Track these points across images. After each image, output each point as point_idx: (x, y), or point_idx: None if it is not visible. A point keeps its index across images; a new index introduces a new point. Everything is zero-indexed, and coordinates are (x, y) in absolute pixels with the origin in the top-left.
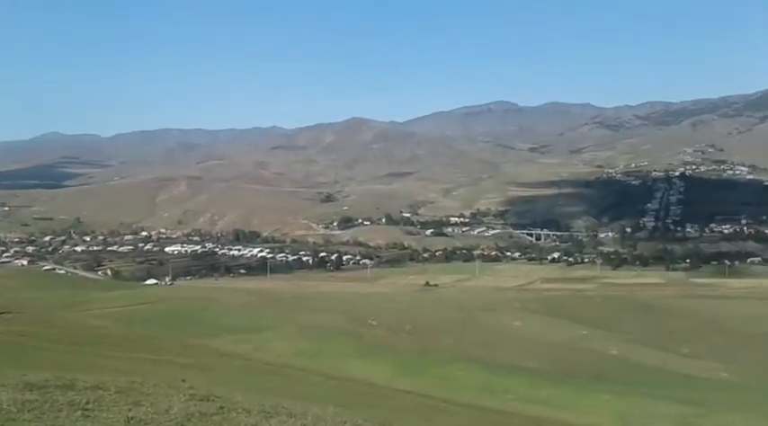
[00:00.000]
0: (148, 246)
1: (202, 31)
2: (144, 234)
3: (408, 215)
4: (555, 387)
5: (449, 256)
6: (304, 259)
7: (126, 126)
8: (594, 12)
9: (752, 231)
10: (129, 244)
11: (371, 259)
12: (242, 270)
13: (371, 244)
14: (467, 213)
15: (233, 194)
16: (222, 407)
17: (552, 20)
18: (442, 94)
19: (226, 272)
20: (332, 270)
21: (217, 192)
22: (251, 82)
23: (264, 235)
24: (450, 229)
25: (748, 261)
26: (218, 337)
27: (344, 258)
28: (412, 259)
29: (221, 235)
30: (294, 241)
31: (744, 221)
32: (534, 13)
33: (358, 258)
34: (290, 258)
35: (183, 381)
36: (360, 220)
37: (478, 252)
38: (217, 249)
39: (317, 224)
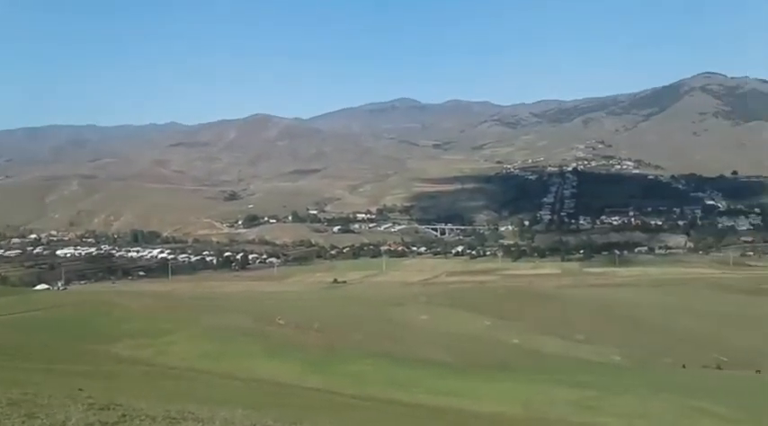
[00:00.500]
0: (38, 250)
1: (93, 22)
2: (33, 236)
3: (315, 212)
4: (461, 378)
5: (356, 253)
6: (208, 259)
7: (10, 122)
8: (493, 13)
9: (638, 222)
10: (17, 248)
11: (278, 257)
12: (141, 273)
13: (278, 242)
14: (373, 209)
15: (130, 193)
16: (124, 415)
17: (453, 20)
18: (348, 91)
19: (124, 275)
20: (237, 270)
21: (112, 192)
22: (146, 76)
23: (165, 235)
24: (357, 226)
25: (636, 250)
26: (117, 343)
27: (250, 257)
28: (319, 256)
29: (118, 237)
30: (197, 241)
31: (631, 213)
32: (436, 12)
33: (264, 257)
34: (193, 258)
35: (81, 390)
36: (266, 218)
37: (385, 247)
38: (113, 251)
39: (221, 223)
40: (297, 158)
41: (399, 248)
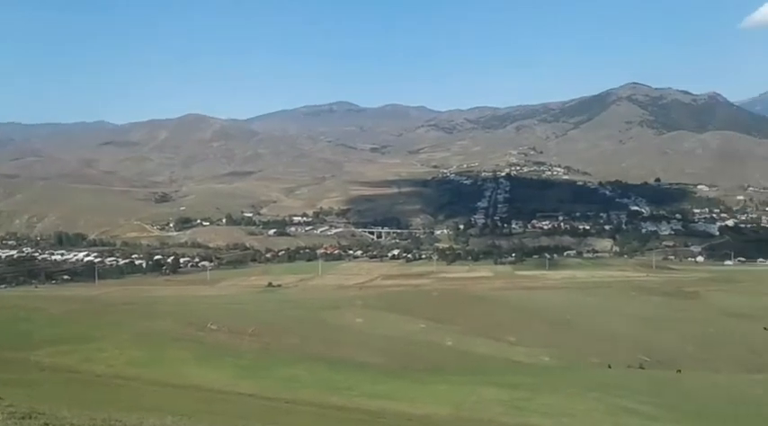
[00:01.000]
0: None
1: (17, 16)
2: None
3: (250, 215)
4: (395, 381)
5: (292, 256)
6: (137, 262)
7: None
8: (429, 19)
9: (567, 227)
10: None
11: (211, 261)
12: (66, 276)
13: (211, 245)
14: (310, 212)
15: (54, 194)
16: (47, 424)
17: (391, 25)
18: (286, 93)
19: (47, 279)
20: (168, 274)
21: (35, 192)
22: (74, 72)
23: (91, 237)
24: (293, 229)
25: (565, 254)
26: (38, 350)
27: (182, 260)
28: (254, 259)
29: (41, 239)
30: (126, 244)
31: (560, 217)
32: (374, 16)
33: (197, 260)
34: (122, 262)
35: (1, 399)
36: (198, 221)
37: (322, 251)
38: (36, 254)
39: (152, 225)
40: (232, 160)
41: (336, 251)
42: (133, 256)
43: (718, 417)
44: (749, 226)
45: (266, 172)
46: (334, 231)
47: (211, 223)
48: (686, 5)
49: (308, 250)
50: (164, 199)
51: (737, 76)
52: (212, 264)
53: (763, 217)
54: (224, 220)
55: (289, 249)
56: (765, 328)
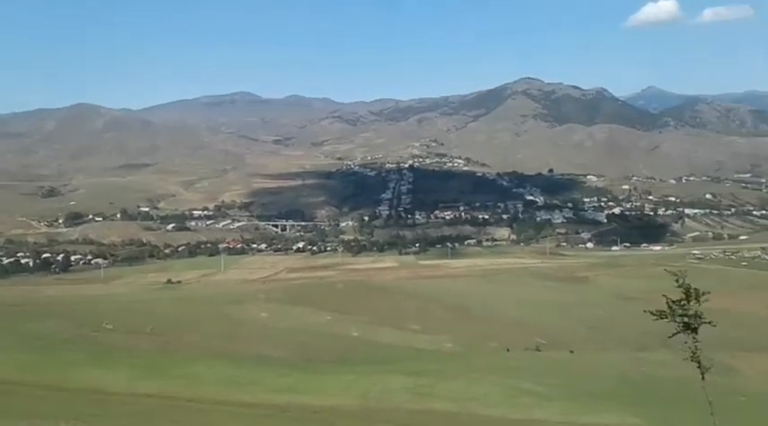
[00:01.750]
0: None
1: None
2: None
3: (147, 209)
4: (301, 374)
5: (193, 251)
6: (23, 261)
7: None
8: (332, 10)
9: (468, 216)
10: None
11: (105, 258)
12: None
13: (105, 241)
14: (211, 206)
15: None
16: None
17: (294, 16)
18: (183, 82)
19: None
20: (58, 272)
21: None
22: None
23: None
24: (193, 223)
25: (466, 243)
26: None
27: (73, 258)
28: (152, 256)
29: None
30: (10, 241)
31: (461, 208)
32: (276, 6)
33: (89, 257)
34: (5, 261)
35: None
36: (91, 216)
37: (224, 245)
38: None
39: (39, 221)
40: (126, 152)
41: (239, 245)
42: (18, 254)
43: (608, 394)
44: (634, 213)
45: (163, 164)
46: (236, 225)
47: (105, 218)
48: (575, 4)
49: (209, 245)
50: (51, 193)
51: (622, 73)
52: (106, 262)
53: (646, 205)
54: (119, 215)
55: (189, 244)
56: (645, 310)
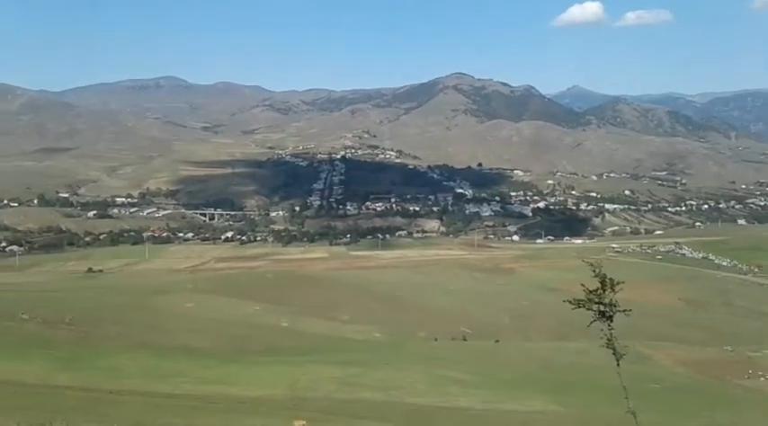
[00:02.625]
0: None
1: None
2: None
3: (67, 195)
4: (229, 365)
5: (115, 239)
6: None
7: None
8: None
9: (399, 208)
10: None
11: (21, 245)
12: None
13: (21, 228)
14: (135, 193)
15: None
16: None
17: (223, 2)
18: (106, 64)
19: None
20: None
21: None
22: None
23: None
24: (116, 210)
25: (397, 234)
26: None
27: None
28: (72, 243)
29: None
30: None
31: (393, 199)
32: None
33: (4, 245)
34: None
35: None
36: (5, 202)
37: (149, 233)
38: None
39: None
40: (44, 135)
41: (164, 234)
42: None
43: (531, 382)
44: (557, 207)
45: (85, 149)
46: (162, 213)
47: (20, 204)
48: (504, 3)
49: (133, 233)
50: None
51: (549, 72)
52: (22, 249)
53: (569, 200)
54: (35, 201)
55: (111, 232)
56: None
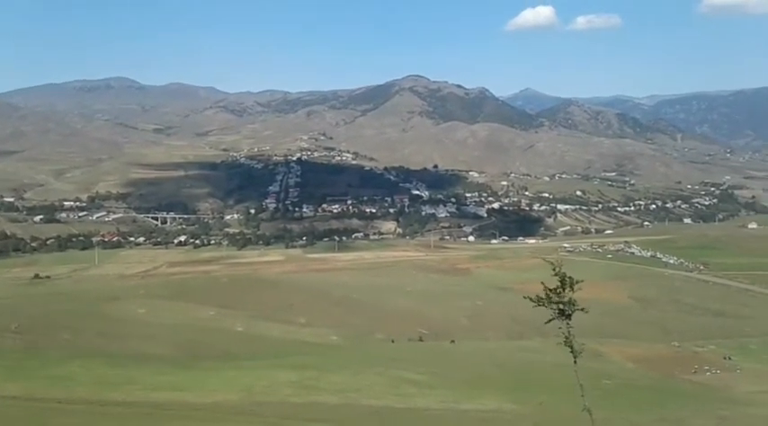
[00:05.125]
0: None
1: None
2: None
3: (12, 199)
4: (183, 371)
5: (63, 244)
6: None
7: None
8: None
9: (356, 210)
10: None
11: None
12: None
13: None
14: (84, 197)
15: None
16: None
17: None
18: (53, 65)
19: None
20: None
21: None
22: None
23: None
24: (64, 215)
25: (353, 236)
26: None
27: None
28: (17, 249)
29: None
30: None
31: (349, 201)
32: None
33: None
34: None
35: None
36: None
37: (98, 238)
38: None
39: None
40: None
41: (115, 239)
42: None
43: (487, 381)
44: (511, 208)
45: (31, 152)
46: (112, 217)
47: None
48: (458, 6)
49: (82, 238)
50: None
51: (503, 74)
52: None
53: (523, 201)
54: None
55: (59, 237)
56: (524, 297)
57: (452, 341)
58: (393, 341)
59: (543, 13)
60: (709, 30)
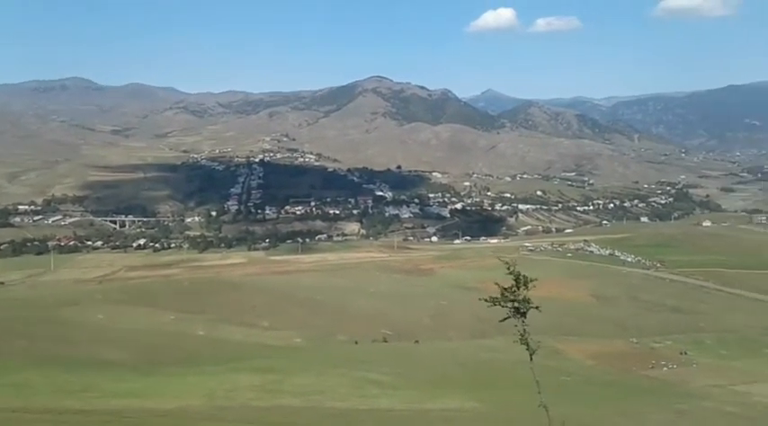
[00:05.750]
0: None
1: None
2: None
3: None
4: (143, 377)
5: (17, 249)
6: None
7: None
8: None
9: (319, 212)
10: None
11: None
12: None
13: None
14: (39, 200)
15: None
16: None
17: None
18: (6, 65)
19: None
20: None
21: None
22: None
23: None
24: (18, 219)
25: (317, 238)
26: None
27: None
28: None
29: None
30: None
31: (312, 203)
32: None
33: None
34: None
35: None
36: None
37: (54, 243)
38: None
39: None
40: None
41: (71, 243)
42: None
43: (450, 381)
44: (474, 208)
45: None
46: (69, 220)
47: None
48: (421, 8)
49: (37, 242)
50: None
51: (465, 76)
52: None
53: (485, 201)
54: None
55: (13, 242)
56: (479, 298)
57: (416, 342)
58: (357, 343)
59: (504, 15)
60: (666, 32)
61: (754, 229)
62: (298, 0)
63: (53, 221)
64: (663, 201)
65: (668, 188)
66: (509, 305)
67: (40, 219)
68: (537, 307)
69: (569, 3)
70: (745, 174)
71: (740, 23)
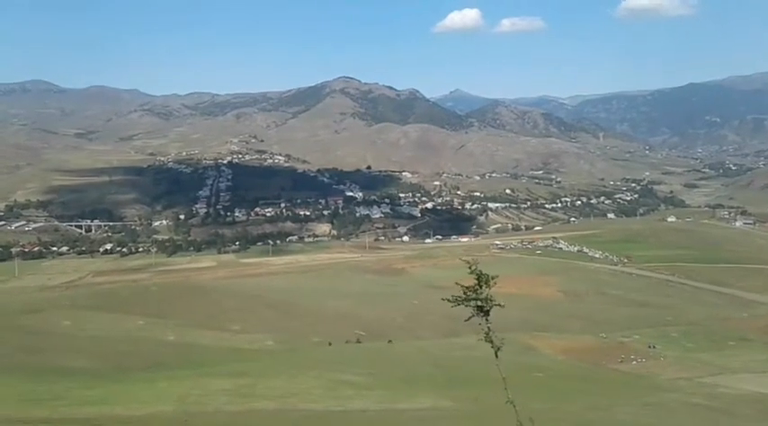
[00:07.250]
0: None
1: None
2: None
3: None
4: (111, 384)
5: None
6: None
7: None
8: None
9: (289, 213)
10: None
11: None
12: None
13: None
14: (1, 206)
15: None
16: None
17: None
18: None
19: None
20: None
21: None
22: None
23: None
24: None
25: (288, 239)
26: None
27: None
28: None
29: None
30: None
31: (283, 204)
32: None
33: None
34: None
35: None
36: None
37: (18, 249)
38: None
39: None
40: None
41: (35, 249)
42: None
43: (423, 380)
44: (444, 207)
45: None
46: (33, 226)
47: None
48: (387, 8)
49: (0, 249)
50: None
51: (432, 76)
52: None
53: (455, 200)
54: None
55: None
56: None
57: (389, 342)
58: (330, 344)
59: (470, 16)
60: (628, 32)
61: (717, 224)
62: (263, 0)
63: (16, 227)
64: (628, 198)
65: (633, 184)
66: (471, 304)
67: (3, 225)
68: (500, 305)
69: (533, 3)
70: (707, 170)
71: (700, 22)
